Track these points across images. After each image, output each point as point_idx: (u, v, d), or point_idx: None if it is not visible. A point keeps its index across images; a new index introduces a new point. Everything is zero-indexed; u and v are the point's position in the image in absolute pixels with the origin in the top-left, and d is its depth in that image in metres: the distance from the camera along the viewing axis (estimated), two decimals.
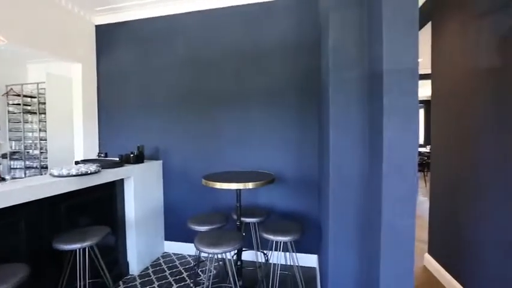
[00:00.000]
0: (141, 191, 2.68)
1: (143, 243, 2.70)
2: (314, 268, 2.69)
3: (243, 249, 2.46)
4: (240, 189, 2.06)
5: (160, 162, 3.05)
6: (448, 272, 2.29)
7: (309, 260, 2.72)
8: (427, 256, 2.66)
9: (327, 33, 1.53)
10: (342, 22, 1.33)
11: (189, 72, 2.96)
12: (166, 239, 3.08)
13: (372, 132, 1.15)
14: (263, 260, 2.71)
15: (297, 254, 2.57)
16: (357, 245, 1.33)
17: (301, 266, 2.47)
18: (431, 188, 2.67)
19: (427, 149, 7.18)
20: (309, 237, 2.61)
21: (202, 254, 2.49)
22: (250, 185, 1.92)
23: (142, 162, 2.78)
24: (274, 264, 2.18)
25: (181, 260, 2.92)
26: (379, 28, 0.99)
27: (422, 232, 2.89)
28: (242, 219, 2.22)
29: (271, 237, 1.89)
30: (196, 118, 2.96)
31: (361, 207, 1.28)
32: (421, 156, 6.83)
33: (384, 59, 0.93)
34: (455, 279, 2.18)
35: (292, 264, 2.09)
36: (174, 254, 3.05)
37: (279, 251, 2.12)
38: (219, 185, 1.93)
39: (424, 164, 6.71)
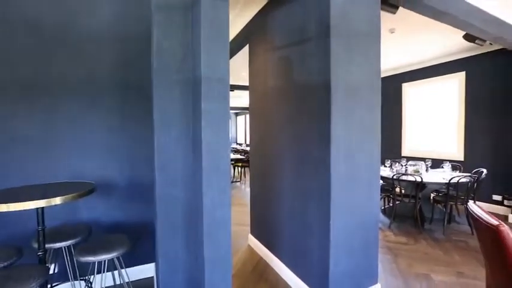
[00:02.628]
0: None
1: None
2: (152, 278, 2.54)
3: (54, 284, 1.91)
4: (41, 208, 1.58)
5: None
6: (264, 245, 2.88)
7: (148, 271, 2.53)
8: (250, 236, 3.21)
9: (153, 32, 1.48)
10: (166, 23, 1.32)
11: None
12: None
13: (195, 133, 1.22)
14: None
15: (132, 268, 2.33)
16: (185, 239, 1.38)
17: (138, 280, 2.25)
18: (251, 179, 3.25)
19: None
20: (145, 246, 2.43)
21: None
22: (57, 200, 1.51)
23: None
24: None
25: None
26: (199, 40, 1.07)
27: (247, 217, 3.45)
28: (48, 245, 1.72)
29: (91, 258, 1.58)
30: None
31: (188, 203, 1.34)
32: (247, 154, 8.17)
33: (202, 68, 1.02)
34: (268, 249, 2.78)
35: (122, 282, 1.86)
36: None
37: (104, 272, 1.82)
38: (6, 207, 1.39)
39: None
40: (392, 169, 4.13)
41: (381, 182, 4.18)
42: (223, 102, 1.05)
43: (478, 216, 1.84)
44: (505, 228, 1.63)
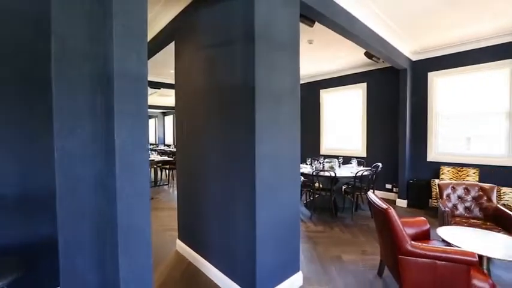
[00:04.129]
0: None
1: None
2: None
3: None
4: None
5: None
6: (192, 249, 2.79)
7: None
8: (178, 241, 3.07)
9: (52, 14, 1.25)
10: (67, 9, 1.14)
11: None
12: None
13: (107, 136, 1.10)
14: None
15: None
16: (96, 256, 1.22)
17: None
18: (178, 182, 3.11)
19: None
20: (48, 268, 2.04)
21: None
22: None
23: None
24: None
25: None
26: (111, 30, 0.96)
27: (176, 222, 3.29)
28: None
29: None
30: None
31: (98, 214, 1.19)
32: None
33: (114, 63, 0.92)
34: (197, 253, 2.71)
35: None
36: None
37: None
38: None
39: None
40: (312, 166, 4.59)
41: (303, 178, 4.61)
42: (139, 101, 0.98)
43: (373, 202, 2.23)
44: (391, 210, 2.02)
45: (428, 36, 4.27)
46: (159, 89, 7.17)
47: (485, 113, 4.46)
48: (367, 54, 4.70)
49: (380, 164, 4.75)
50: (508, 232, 2.60)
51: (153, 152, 8.88)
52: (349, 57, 5.23)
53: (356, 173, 4.09)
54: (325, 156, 5.61)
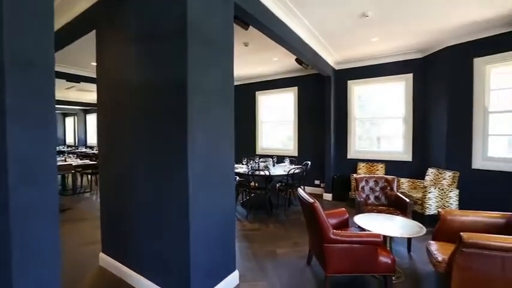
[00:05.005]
0: None
1: None
2: None
3: None
4: None
5: None
6: (119, 262, 2.53)
7: None
8: (102, 255, 2.74)
9: None
10: None
11: None
12: None
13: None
14: None
15: None
16: None
17: None
18: (101, 189, 2.77)
19: None
20: None
21: None
22: None
23: None
24: None
25: None
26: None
27: (98, 233, 2.92)
28: None
29: None
30: None
31: None
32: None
33: (5, 48, 0.75)
34: (124, 265, 2.47)
35: None
36: None
37: None
38: None
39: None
40: (248, 166, 4.71)
41: (239, 178, 4.69)
42: (43, 96, 0.83)
43: (302, 197, 2.42)
44: (317, 204, 2.22)
45: (347, 50, 4.88)
46: (79, 82, 6.27)
47: (389, 117, 5.37)
48: (297, 61, 5.08)
49: (309, 162, 5.19)
50: (404, 214, 3.17)
51: (70, 156, 7.71)
52: (282, 62, 5.56)
53: (288, 171, 4.37)
54: (261, 156, 5.83)
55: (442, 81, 4.45)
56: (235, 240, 2.46)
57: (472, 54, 4.06)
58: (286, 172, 4.40)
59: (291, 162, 5.53)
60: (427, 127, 4.79)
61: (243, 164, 5.05)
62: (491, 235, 1.90)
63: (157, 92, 2.09)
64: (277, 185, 5.03)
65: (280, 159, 5.74)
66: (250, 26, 3.14)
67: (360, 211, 3.34)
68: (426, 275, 2.56)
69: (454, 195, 3.87)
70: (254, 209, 4.73)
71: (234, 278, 2.39)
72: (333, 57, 5.29)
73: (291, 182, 4.61)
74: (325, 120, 5.65)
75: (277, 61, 5.52)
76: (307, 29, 3.89)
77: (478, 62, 4.03)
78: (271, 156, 5.35)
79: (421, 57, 4.88)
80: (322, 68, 5.03)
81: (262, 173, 4.23)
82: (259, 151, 7.07)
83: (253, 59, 5.34)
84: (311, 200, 2.25)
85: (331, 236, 2.14)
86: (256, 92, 7.12)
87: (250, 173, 4.25)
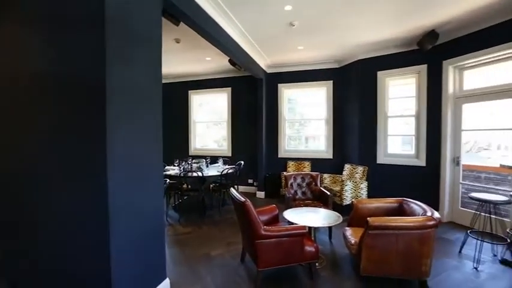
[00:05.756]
0: None
1: None
2: None
3: None
4: None
5: None
6: None
7: None
8: None
9: None
10: None
11: None
12: None
13: None
14: None
15: None
16: None
17: None
18: None
19: None
20: None
21: None
22: None
23: None
24: None
25: None
26: None
27: None
28: None
29: None
30: None
31: None
32: None
33: None
34: None
35: None
36: None
37: None
38: None
39: None
40: (180, 168, 4.51)
41: (169, 180, 4.45)
42: None
43: (234, 197, 2.46)
44: (248, 202, 2.29)
45: (277, 55, 5.18)
46: None
47: (315, 119, 5.94)
48: (231, 62, 5.13)
49: (242, 162, 5.30)
50: (326, 206, 3.55)
51: None
52: (215, 62, 5.52)
53: (222, 171, 4.37)
54: (194, 157, 5.67)
55: (354, 89, 5.17)
56: (165, 247, 2.32)
57: (376, 68, 4.84)
58: (219, 172, 4.39)
59: (225, 163, 5.55)
60: (344, 128, 5.48)
61: (174, 166, 4.81)
62: (389, 217, 2.30)
63: (65, 89, 1.80)
64: (211, 185, 4.98)
65: (214, 159, 5.69)
66: (182, 23, 3.02)
67: (289, 206, 3.59)
68: (344, 258, 2.92)
69: (364, 187, 4.53)
70: (187, 212, 4.56)
71: (164, 286, 2.25)
72: (265, 61, 5.54)
73: (224, 182, 4.62)
74: (258, 121, 5.87)
75: (210, 61, 5.46)
76: (240, 32, 3.97)
77: (380, 74, 4.82)
78: (205, 157, 5.26)
79: (338, 67, 5.55)
80: (254, 70, 5.21)
81: (195, 174, 4.12)
82: (192, 152, 6.86)
83: (186, 56, 5.15)
84: (243, 199, 2.30)
85: (262, 232, 2.23)
86: (190, 91, 6.89)
87: (182, 174, 4.08)
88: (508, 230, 3.02)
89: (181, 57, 5.21)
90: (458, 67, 3.98)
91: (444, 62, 4.06)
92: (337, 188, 4.64)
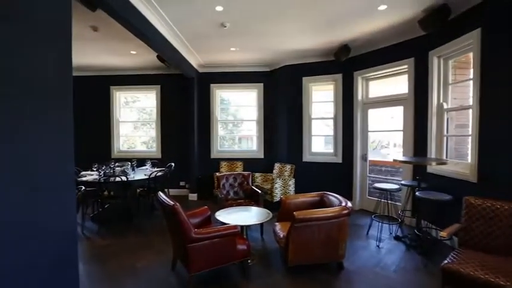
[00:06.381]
0: None
1: None
2: None
3: None
4: None
5: None
6: None
7: None
8: None
9: None
10: None
11: None
12: None
13: None
14: None
15: None
16: None
17: None
18: None
19: None
20: None
21: None
22: None
23: None
24: None
25: None
26: None
27: None
28: None
29: None
30: None
31: None
32: None
33: None
34: None
35: None
36: None
37: None
38: None
39: None
40: (100, 172, 4.01)
41: (84, 188, 3.90)
42: None
43: (162, 200, 2.32)
44: (177, 206, 2.19)
45: (210, 55, 5.11)
46: None
47: (247, 119, 6.10)
48: (159, 58, 4.82)
49: (173, 164, 5.05)
50: (258, 204, 3.69)
51: None
52: (141, 56, 5.09)
53: (150, 175, 4.07)
54: (118, 160, 5.11)
55: (282, 92, 5.52)
56: (78, 267, 2.01)
57: (301, 73, 5.28)
58: (147, 176, 4.07)
59: (153, 165, 5.17)
60: (275, 129, 5.79)
61: (92, 171, 4.23)
62: (312, 210, 2.54)
63: None
64: (138, 190, 4.57)
65: (141, 162, 5.24)
66: (100, 9, 2.68)
67: (222, 207, 3.59)
68: (274, 252, 3.08)
69: (292, 183, 4.89)
70: (109, 222, 4.07)
71: None
72: (197, 60, 5.40)
73: (153, 185, 4.31)
74: (190, 121, 5.68)
75: (136, 55, 5.01)
76: (169, 27, 3.76)
77: (305, 80, 5.28)
78: (131, 160, 4.79)
79: (268, 70, 5.84)
80: (185, 69, 5.02)
81: (118, 179, 3.71)
82: (115, 154, 6.17)
83: (105, 47, 4.59)
84: (171, 202, 2.19)
85: (193, 235, 2.17)
86: (112, 87, 6.17)
87: (102, 180, 3.62)
88: (399, 212, 3.73)
89: (100, 48, 4.63)
90: (365, 78, 4.70)
91: (355, 72, 4.73)
92: (268, 186, 4.87)
